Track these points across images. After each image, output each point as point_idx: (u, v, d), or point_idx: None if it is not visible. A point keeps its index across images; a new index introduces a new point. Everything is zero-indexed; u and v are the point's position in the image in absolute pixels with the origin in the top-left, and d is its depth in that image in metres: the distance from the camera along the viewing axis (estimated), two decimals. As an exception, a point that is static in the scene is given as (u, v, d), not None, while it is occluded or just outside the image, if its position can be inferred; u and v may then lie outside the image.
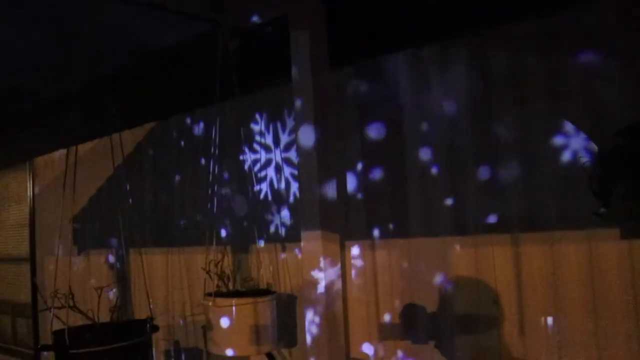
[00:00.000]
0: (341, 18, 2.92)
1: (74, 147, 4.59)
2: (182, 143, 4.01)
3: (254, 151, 3.44)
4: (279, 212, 3.34)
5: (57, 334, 2.17)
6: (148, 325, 2.32)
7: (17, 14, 3.21)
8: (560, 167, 2.25)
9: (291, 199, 3.26)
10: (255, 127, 3.47)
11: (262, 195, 3.40)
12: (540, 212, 2.32)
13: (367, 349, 2.90)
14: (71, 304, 2.20)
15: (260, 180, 3.41)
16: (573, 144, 2.23)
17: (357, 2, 2.88)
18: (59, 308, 2.21)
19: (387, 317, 2.83)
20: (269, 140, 3.40)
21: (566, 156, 2.25)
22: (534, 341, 2.34)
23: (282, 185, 3.32)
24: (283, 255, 3.28)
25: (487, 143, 2.47)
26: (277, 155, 3.35)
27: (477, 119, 2.51)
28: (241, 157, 3.50)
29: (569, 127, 2.23)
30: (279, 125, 3.35)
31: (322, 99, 2.87)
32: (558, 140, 2.27)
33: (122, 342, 2.10)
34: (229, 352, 2.82)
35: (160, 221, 4.16)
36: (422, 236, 2.70)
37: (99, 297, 2.35)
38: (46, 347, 2.14)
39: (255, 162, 3.43)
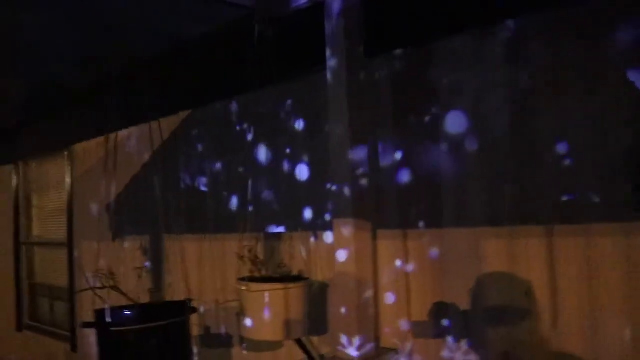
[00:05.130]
0: (377, 5, 2.94)
1: (112, 135, 4.71)
2: (217, 131, 4.07)
3: (288, 139, 3.47)
4: (311, 200, 3.37)
5: (99, 313, 2.25)
6: (186, 305, 2.38)
7: (48, 8, 3.31)
8: (598, 159, 2.24)
9: (323, 187, 3.28)
10: (290, 115, 3.50)
11: (294, 183, 3.44)
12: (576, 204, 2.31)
13: (397, 338, 2.92)
14: (112, 284, 2.27)
15: (294, 169, 3.44)
16: (610, 134, 2.21)
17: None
18: (101, 288, 2.28)
19: (417, 307, 2.85)
20: (302, 127, 3.43)
21: (604, 146, 2.23)
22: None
23: (314, 173, 3.35)
24: (314, 242, 3.31)
25: (524, 134, 2.46)
26: (309, 144, 3.38)
27: (515, 109, 2.50)
28: (273, 145, 3.55)
29: (606, 116, 2.21)
30: (314, 113, 3.38)
31: (356, 87, 2.89)
32: (595, 131, 2.25)
33: (161, 321, 2.17)
34: (261, 337, 2.87)
35: (194, 208, 4.24)
36: (454, 227, 2.71)
37: (139, 277, 2.42)
38: (88, 325, 2.22)
39: (288, 149, 3.47)
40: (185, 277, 3.06)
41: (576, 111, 2.31)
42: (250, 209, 3.24)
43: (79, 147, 5.83)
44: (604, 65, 2.24)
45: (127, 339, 2.17)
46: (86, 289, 2.39)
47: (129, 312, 2.34)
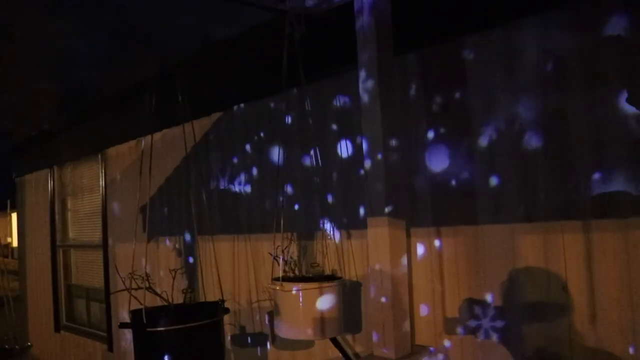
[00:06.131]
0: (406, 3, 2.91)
1: (145, 137, 4.75)
2: (248, 131, 4.08)
3: (319, 137, 3.45)
4: (344, 198, 3.35)
5: (135, 313, 2.27)
6: (219, 306, 2.38)
7: (81, 15, 3.36)
8: (635, 152, 2.18)
9: (356, 185, 3.26)
10: (322, 113, 3.48)
11: (326, 182, 3.42)
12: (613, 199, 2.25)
13: (433, 336, 2.88)
14: (147, 285, 2.29)
15: (325, 167, 3.43)
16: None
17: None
18: (136, 289, 2.30)
19: (452, 304, 2.81)
20: (334, 125, 3.41)
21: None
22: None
23: (347, 172, 3.33)
24: (347, 241, 3.29)
25: (557, 127, 2.41)
26: (341, 142, 3.36)
27: (547, 102, 2.45)
28: (305, 144, 3.54)
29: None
30: (345, 111, 3.36)
31: (388, 87, 2.86)
32: (630, 124, 2.19)
33: (196, 322, 2.18)
34: (295, 336, 2.86)
35: (226, 209, 4.26)
36: (490, 223, 2.66)
37: (173, 278, 2.44)
38: (125, 325, 2.24)
39: (319, 148, 3.45)
40: (218, 277, 3.07)
41: (610, 104, 2.24)
42: (283, 208, 3.23)
43: (112, 151, 5.91)
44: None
45: (162, 339, 2.18)
46: (121, 290, 2.41)
47: (163, 313, 2.36)
